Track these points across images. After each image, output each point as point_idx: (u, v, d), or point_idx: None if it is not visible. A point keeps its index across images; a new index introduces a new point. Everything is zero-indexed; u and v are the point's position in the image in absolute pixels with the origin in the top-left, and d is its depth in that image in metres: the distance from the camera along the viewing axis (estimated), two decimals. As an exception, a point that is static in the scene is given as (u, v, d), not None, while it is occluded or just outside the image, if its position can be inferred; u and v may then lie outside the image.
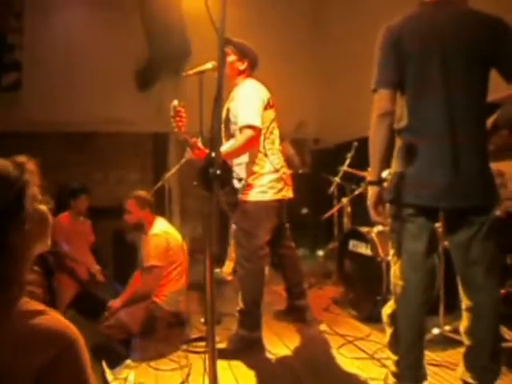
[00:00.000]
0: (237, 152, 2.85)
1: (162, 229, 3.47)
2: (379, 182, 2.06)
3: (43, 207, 0.91)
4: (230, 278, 4.76)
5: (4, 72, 6.04)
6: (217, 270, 4.77)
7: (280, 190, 3.05)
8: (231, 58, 3.08)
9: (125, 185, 6.26)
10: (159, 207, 3.71)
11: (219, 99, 1.53)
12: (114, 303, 3.37)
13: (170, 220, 3.90)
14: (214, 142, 1.42)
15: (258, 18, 5.91)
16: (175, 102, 2.65)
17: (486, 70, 1.96)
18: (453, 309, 2.99)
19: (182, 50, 5.93)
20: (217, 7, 1.61)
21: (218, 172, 1.42)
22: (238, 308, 3.07)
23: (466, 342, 2.04)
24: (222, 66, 1.56)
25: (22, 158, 0.90)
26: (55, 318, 0.85)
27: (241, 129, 2.87)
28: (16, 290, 0.84)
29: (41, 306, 0.85)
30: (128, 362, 2.87)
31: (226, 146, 2.87)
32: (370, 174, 2.10)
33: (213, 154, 1.47)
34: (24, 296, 0.85)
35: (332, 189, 4.77)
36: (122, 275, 4.12)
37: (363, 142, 4.02)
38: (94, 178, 6.19)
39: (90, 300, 3.68)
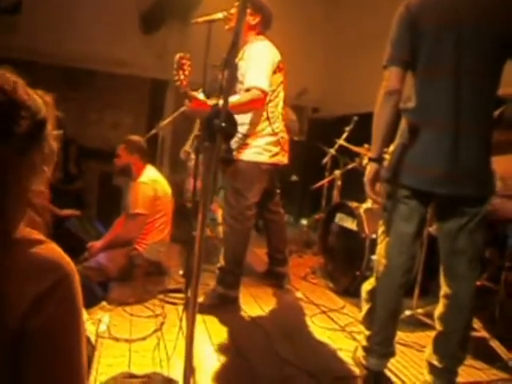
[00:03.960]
0: (238, 108, 2.78)
1: (151, 177, 3.45)
2: (379, 159, 2.05)
3: (55, 144, 0.88)
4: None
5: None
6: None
7: (276, 154, 3.03)
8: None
9: (118, 128, 6.17)
10: (150, 155, 3.67)
11: (234, 50, 1.49)
12: (95, 244, 3.37)
13: (160, 169, 3.87)
14: (223, 96, 1.39)
15: None
16: (180, 54, 2.57)
17: (500, 58, 1.92)
18: (427, 293, 3.07)
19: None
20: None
21: (224, 124, 1.38)
22: (218, 265, 3.09)
23: (438, 327, 2.09)
24: (242, 15, 1.50)
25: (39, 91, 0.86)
26: (53, 249, 0.83)
27: (248, 89, 2.82)
28: (15, 219, 0.81)
29: (39, 236, 0.83)
30: (104, 303, 2.90)
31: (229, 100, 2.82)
32: (370, 151, 2.09)
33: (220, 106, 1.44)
34: (23, 224, 0.83)
35: (326, 160, 4.76)
36: (105, 217, 4.12)
37: (363, 118, 4.01)
38: (88, 118, 6.09)
39: (69, 237, 3.67)
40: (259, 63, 2.87)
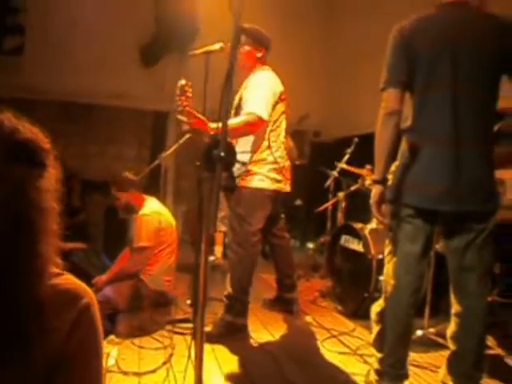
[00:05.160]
0: (232, 131, 2.78)
1: (153, 209, 3.44)
2: (383, 180, 2.05)
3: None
4: (221, 262, 4.77)
5: (7, 35, 5.93)
6: (211, 258, 4.76)
7: (278, 182, 3.05)
8: (247, 48, 3.06)
9: (121, 160, 6.22)
10: (153, 186, 3.68)
11: (230, 79, 1.51)
12: (100, 279, 3.35)
13: (164, 200, 3.88)
14: (222, 124, 1.40)
15: (270, 9, 5.84)
16: (182, 81, 2.61)
17: (497, 76, 1.94)
18: (438, 312, 3.03)
19: (189, 28, 5.84)
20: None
21: (223, 154, 1.40)
22: (225, 293, 3.06)
23: (452, 346, 2.05)
24: (235, 44, 1.53)
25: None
26: (72, 280, 0.89)
27: (245, 113, 2.86)
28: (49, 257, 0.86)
29: (55, 268, 0.88)
30: (112, 337, 2.87)
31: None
32: (374, 173, 2.10)
33: (219, 136, 1.46)
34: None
35: (328, 183, 4.76)
36: (111, 250, 4.11)
37: (364, 139, 4.04)
38: (90, 152, 6.14)
39: (75, 271, 3.65)
40: (260, 91, 2.92)
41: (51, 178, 0.88)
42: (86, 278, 3.42)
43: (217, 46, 2.76)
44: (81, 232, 5.22)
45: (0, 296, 0.77)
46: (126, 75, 5.85)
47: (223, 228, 4.60)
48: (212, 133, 2.62)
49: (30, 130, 0.86)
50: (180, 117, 2.67)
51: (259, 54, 3.11)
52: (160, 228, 3.37)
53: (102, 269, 3.64)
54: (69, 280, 0.89)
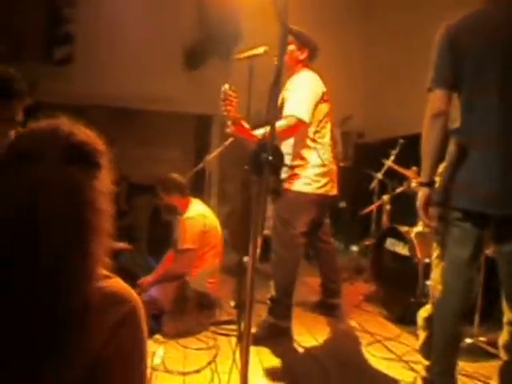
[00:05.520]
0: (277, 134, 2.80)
1: (198, 211, 3.48)
2: (430, 183, 2.01)
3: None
4: (258, 264, 4.79)
5: (57, 45, 6.17)
6: (246, 259, 4.78)
7: (324, 185, 3.03)
8: (291, 47, 3.05)
9: (166, 163, 6.34)
10: (198, 189, 3.74)
11: (277, 83, 1.52)
12: (146, 280, 3.42)
13: (208, 202, 3.93)
14: (269, 127, 1.42)
15: (309, 14, 5.83)
16: (226, 86, 2.64)
17: None
18: (489, 319, 2.92)
19: (233, 32, 5.91)
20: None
21: (271, 157, 1.41)
22: (269, 295, 3.08)
23: (504, 356, 1.98)
24: (282, 47, 1.55)
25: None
26: (120, 283, 0.92)
27: (286, 116, 2.86)
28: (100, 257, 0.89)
29: (103, 271, 0.91)
30: (157, 336, 2.94)
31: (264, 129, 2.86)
32: (421, 175, 2.06)
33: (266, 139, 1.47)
34: None
35: (373, 185, 4.70)
36: (155, 251, 4.20)
37: (409, 140, 3.95)
38: (136, 155, 6.29)
39: (122, 271, 3.75)
40: (300, 93, 2.92)
41: (105, 180, 0.92)
42: (132, 278, 3.52)
43: (261, 50, 2.77)
44: (127, 234, 5.37)
45: (48, 295, 0.80)
46: (171, 79, 5.96)
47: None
48: (256, 139, 2.65)
49: (85, 133, 0.91)
50: (227, 123, 2.71)
51: (302, 56, 3.10)
52: (205, 230, 3.42)
53: (147, 269, 3.72)
54: (116, 283, 0.91)
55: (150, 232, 5.89)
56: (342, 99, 5.69)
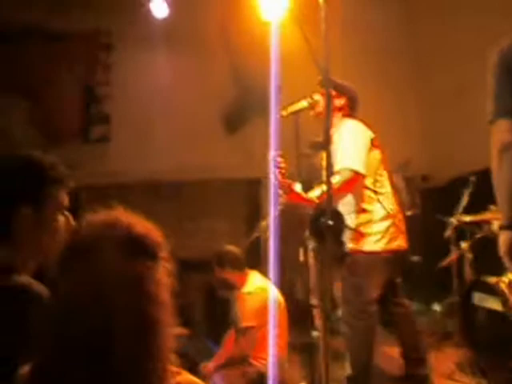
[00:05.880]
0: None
1: (257, 285, 3.49)
2: (511, 225, 1.94)
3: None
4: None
5: (93, 125, 6.58)
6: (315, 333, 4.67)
7: (394, 239, 2.99)
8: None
9: (216, 235, 6.43)
10: (255, 260, 3.76)
11: (328, 139, 1.57)
12: (208, 367, 3.41)
13: (266, 274, 3.92)
14: (326, 189, 1.44)
15: (358, 50, 6.01)
16: (273, 153, 2.71)
17: None
18: None
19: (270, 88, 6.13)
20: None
21: (331, 222, 1.43)
22: (345, 374, 2.99)
23: None
24: (328, 104, 1.60)
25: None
26: (190, 379, 0.98)
27: (339, 170, 2.88)
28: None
29: (173, 367, 0.95)
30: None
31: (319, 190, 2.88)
32: (501, 217, 2.00)
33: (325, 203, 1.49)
34: None
35: (448, 232, 4.56)
36: (215, 333, 4.19)
37: (483, 176, 3.87)
38: (183, 229, 6.43)
39: (180, 358, 3.75)
40: (349, 143, 2.95)
41: (165, 271, 0.96)
42: (193, 365, 3.51)
43: (304, 104, 2.87)
44: (182, 316, 5.41)
45: None
46: (212, 146, 6.19)
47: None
48: (314, 202, 2.68)
49: (143, 225, 0.97)
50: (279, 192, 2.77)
51: (339, 103, 3.16)
52: (266, 305, 3.40)
53: (208, 354, 3.72)
54: (186, 380, 0.96)
55: (206, 312, 5.91)
56: (399, 143, 5.71)
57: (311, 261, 4.27)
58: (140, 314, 0.87)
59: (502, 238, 1.97)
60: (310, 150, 3.52)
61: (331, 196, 1.51)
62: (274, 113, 2.87)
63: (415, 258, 5.47)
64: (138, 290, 0.89)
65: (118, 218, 0.95)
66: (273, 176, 2.71)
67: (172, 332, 0.93)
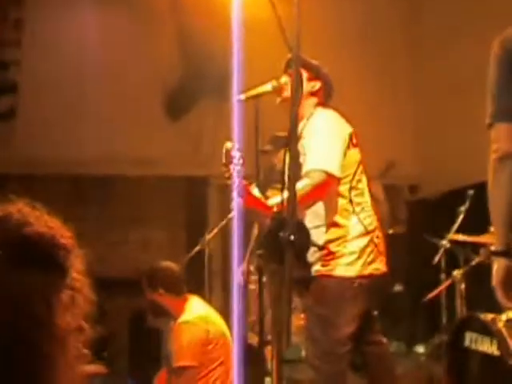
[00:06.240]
0: (300, 200, 2.83)
1: (198, 314, 3.47)
2: (508, 251, 2.01)
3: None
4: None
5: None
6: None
7: (371, 262, 3.02)
8: (302, 75, 3.14)
9: (149, 248, 6.36)
10: (195, 280, 3.75)
11: (294, 133, 1.58)
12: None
13: (210, 298, 3.92)
14: (288, 195, 1.44)
15: (347, 35, 6.09)
16: (228, 145, 2.71)
17: None
18: None
19: (226, 66, 6.11)
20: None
21: (292, 237, 1.43)
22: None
23: None
24: (297, 86, 1.62)
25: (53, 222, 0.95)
26: None
27: (308, 172, 2.89)
28: None
29: None
30: None
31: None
32: (494, 242, 2.07)
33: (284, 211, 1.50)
34: None
35: (438, 257, 4.66)
36: (139, 371, 4.15)
37: (481, 190, 3.97)
38: (108, 239, 6.33)
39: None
40: (323, 139, 2.97)
41: (73, 287, 0.93)
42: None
43: (268, 87, 2.88)
44: (100, 349, 5.33)
45: None
46: (150, 134, 6.11)
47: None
48: (273, 210, 2.68)
49: (45, 223, 0.92)
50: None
51: (313, 88, 3.18)
52: (208, 340, 3.40)
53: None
54: None
55: (131, 345, 5.84)
56: (383, 142, 5.79)
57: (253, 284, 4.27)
58: (27, 344, 0.84)
59: (496, 267, 2.03)
60: (270, 147, 3.57)
61: (295, 204, 1.51)
62: (235, 94, 2.88)
63: (397, 287, 5.58)
64: (21, 311, 0.85)
65: (8, 214, 0.91)
66: (225, 173, 2.70)
67: (76, 364, 0.89)
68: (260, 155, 2.78)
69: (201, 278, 4.56)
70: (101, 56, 6.00)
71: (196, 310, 3.52)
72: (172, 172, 6.34)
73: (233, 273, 4.11)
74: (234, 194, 2.76)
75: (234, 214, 3.66)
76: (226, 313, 3.77)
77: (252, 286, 4.30)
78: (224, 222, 3.97)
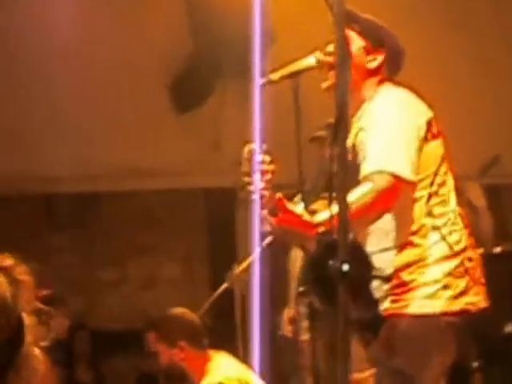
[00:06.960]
0: (355, 215, 2.76)
1: (226, 374, 3.46)
2: None
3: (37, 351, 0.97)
4: None
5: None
6: None
7: (463, 293, 2.98)
8: (356, 44, 3.10)
9: (156, 288, 6.38)
10: (223, 330, 3.74)
11: (343, 125, 1.55)
12: None
13: (244, 353, 3.92)
14: (338, 208, 1.40)
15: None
16: (252, 146, 2.68)
17: None
18: None
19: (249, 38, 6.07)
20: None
21: (347, 266, 1.40)
22: None
23: None
24: (343, 51, 1.59)
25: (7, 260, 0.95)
26: None
27: (368, 176, 2.86)
28: None
29: None
30: None
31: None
32: None
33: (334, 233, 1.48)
34: None
35: None
36: None
37: None
38: (100, 279, 6.37)
39: None
40: (388, 131, 2.94)
41: (32, 359, 0.93)
42: None
43: (312, 60, 2.84)
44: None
45: None
46: (151, 134, 6.13)
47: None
48: (319, 232, 2.63)
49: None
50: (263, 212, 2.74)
51: (373, 63, 3.12)
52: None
53: None
54: None
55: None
56: (488, 132, 5.75)
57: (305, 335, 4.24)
58: None
59: None
60: (325, 132, 3.47)
61: (347, 220, 1.47)
62: (257, 78, 2.85)
63: (509, 329, 5.52)
64: None
65: None
66: (247, 184, 2.67)
67: None
68: (303, 150, 2.73)
69: (230, 326, 4.53)
70: (83, 37, 6.00)
71: (224, 369, 3.51)
72: (183, 184, 6.35)
73: (267, 319, 4.13)
74: (264, 213, 2.72)
75: (268, 239, 3.66)
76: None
77: (303, 336, 4.28)
78: (259, 250, 3.95)
